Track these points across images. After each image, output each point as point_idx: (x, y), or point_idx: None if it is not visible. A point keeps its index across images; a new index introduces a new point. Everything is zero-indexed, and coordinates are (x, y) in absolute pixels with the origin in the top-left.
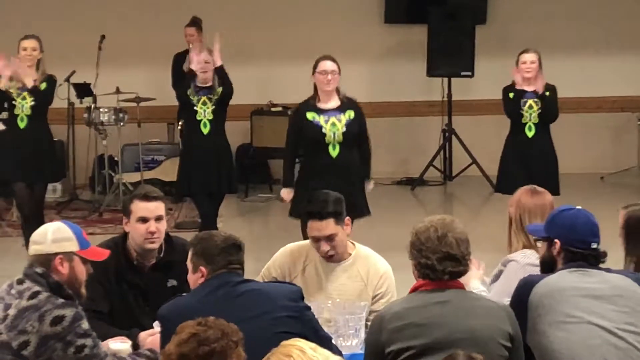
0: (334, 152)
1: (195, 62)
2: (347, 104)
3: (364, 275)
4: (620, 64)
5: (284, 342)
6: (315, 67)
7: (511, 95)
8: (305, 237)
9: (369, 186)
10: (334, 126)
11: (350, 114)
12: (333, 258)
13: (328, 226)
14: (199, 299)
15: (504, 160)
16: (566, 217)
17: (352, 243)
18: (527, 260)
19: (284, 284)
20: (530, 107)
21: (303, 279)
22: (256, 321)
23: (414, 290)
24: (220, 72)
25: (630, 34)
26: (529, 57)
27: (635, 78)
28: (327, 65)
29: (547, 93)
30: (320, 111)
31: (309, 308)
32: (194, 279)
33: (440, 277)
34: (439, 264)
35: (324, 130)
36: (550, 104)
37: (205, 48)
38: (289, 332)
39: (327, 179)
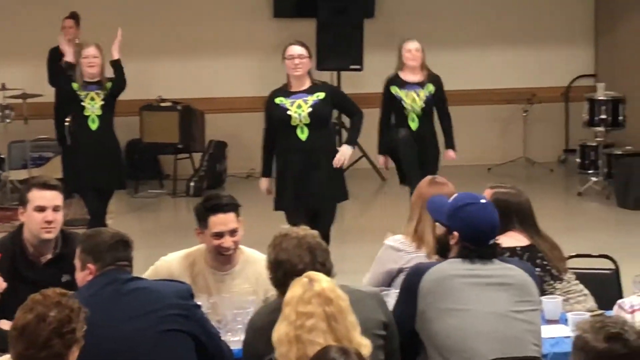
0: (302, 135)
1: (69, 53)
2: (318, 86)
3: (253, 281)
4: (505, 57)
5: None
6: (283, 53)
7: (394, 90)
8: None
9: (344, 150)
10: (299, 108)
11: (320, 95)
12: (230, 258)
13: (232, 219)
14: (86, 297)
15: (396, 153)
16: (470, 212)
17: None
18: (393, 244)
19: (173, 282)
20: (413, 99)
21: (194, 289)
22: (144, 319)
23: None
24: (116, 65)
25: (515, 28)
26: (414, 45)
27: (520, 71)
28: (295, 49)
29: (431, 86)
30: (288, 94)
31: (198, 306)
32: (82, 277)
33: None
34: None
35: (289, 112)
36: (439, 98)
37: (94, 44)
38: (177, 329)
39: (297, 164)
